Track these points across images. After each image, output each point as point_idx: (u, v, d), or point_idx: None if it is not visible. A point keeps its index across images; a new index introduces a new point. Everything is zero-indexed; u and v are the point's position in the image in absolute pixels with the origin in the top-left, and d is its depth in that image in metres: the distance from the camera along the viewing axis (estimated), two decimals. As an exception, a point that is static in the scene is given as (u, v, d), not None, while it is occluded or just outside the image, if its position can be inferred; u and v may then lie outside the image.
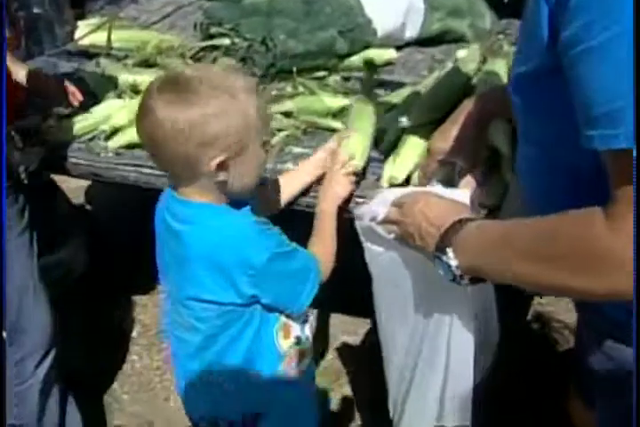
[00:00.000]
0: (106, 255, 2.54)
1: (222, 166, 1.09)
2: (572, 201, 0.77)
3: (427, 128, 1.44)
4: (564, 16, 0.73)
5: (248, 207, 1.21)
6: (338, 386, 2.11)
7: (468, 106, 1.24)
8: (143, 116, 1.09)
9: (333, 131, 1.78)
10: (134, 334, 2.39)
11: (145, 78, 1.94)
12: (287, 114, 1.82)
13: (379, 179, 1.53)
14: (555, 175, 0.89)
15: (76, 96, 1.77)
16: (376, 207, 1.11)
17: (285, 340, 1.29)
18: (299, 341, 1.32)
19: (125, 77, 1.95)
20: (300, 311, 1.28)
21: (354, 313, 2.32)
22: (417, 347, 1.22)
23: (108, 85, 1.96)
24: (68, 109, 1.78)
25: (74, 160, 1.70)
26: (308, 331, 1.36)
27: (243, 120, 1.07)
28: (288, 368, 1.31)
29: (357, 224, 1.20)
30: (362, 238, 1.20)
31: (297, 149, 1.72)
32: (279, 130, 1.77)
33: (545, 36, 0.79)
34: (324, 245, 1.30)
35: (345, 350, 2.23)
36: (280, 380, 1.30)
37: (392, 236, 1.07)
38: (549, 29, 0.78)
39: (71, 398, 1.77)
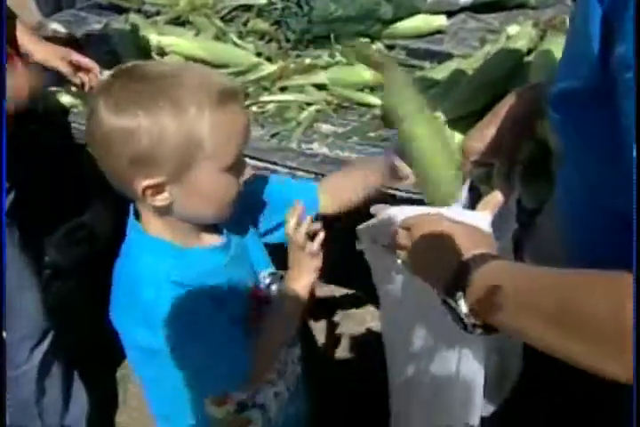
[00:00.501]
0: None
1: (155, 190, 0.89)
2: (609, 243, 0.62)
3: (463, 122, 1.27)
4: (621, 25, 0.55)
5: (213, 249, 1.00)
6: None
7: (511, 100, 1.06)
8: (89, 110, 0.91)
9: (369, 107, 1.63)
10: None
11: (172, 40, 1.82)
12: (319, 86, 1.67)
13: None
14: (593, 213, 0.73)
15: (83, 69, 1.63)
16: (381, 227, 0.94)
17: (218, 407, 1.00)
18: (242, 408, 1.05)
19: (152, 38, 1.82)
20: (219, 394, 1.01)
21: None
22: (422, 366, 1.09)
23: (133, 46, 1.83)
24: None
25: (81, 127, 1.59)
26: (268, 396, 1.10)
27: (184, 139, 0.86)
28: None
29: (363, 244, 1.02)
30: (367, 257, 1.04)
31: (326, 127, 1.57)
32: (308, 104, 1.63)
33: (595, 50, 0.62)
34: (268, 344, 1.04)
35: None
36: None
37: (398, 261, 0.91)
38: (601, 41, 0.60)
39: (77, 377, 1.71)
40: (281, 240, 1.10)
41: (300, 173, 1.43)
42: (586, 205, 0.76)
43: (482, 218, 0.91)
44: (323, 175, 1.41)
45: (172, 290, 0.93)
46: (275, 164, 1.45)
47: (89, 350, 2.10)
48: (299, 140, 1.51)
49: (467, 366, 0.95)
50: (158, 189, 0.89)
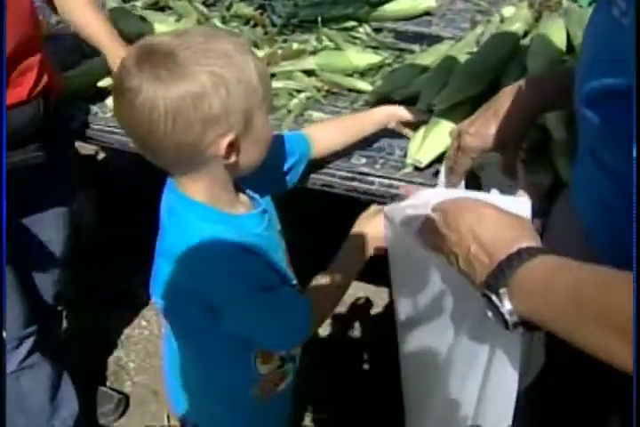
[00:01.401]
0: (116, 211, 2.41)
1: (233, 146, 0.91)
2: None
3: (458, 109, 1.24)
4: None
5: (256, 214, 1.03)
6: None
7: (510, 94, 1.02)
8: (124, 99, 0.87)
9: (359, 93, 1.59)
10: (144, 297, 2.28)
11: (152, 27, 1.76)
12: (308, 72, 1.62)
13: (406, 155, 1.34)
14: (621, 215, 0.70)
15: None
16: (413, 210, 0.89)
17: (265, 365, 1.10)
18: (283, 363, 1.13)
19: (132, 26, 1.75)
20: (278, 351, 1.10)
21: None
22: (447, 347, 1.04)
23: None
24: None
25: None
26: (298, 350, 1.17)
27: (244, 87, 0.88)
28: (261, 393, 1.14)
29: (385, 226, 0.99)
30: (389, 245, 1.00)
31: (317, 114, 1.53)
32: (298, 91, 1.58)
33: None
34: (327, 291, 1.08)
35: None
36: (245, 406, 1.15)
37: (429, 249, 0.86)
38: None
39: (67, 380, 1.68)
40: (276, 191, 1.16)
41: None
42: (612, 207, 0.73)
43: (522, 204, 0.86)
44: (315, 165, 1.38)
45: (240, 253, 0.95)
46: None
47: (79, 345, 2.09)
48: (290, 129, 1.46)
49: (500, 366, 0.91)
50: (235, 144, 0.91)
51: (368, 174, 1.32)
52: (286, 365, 1.14)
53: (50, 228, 1.49)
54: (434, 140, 1.25)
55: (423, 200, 0.88)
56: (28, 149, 1.28)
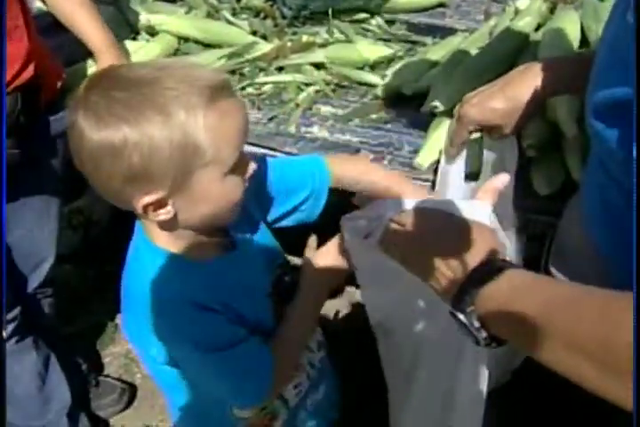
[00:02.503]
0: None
1: (158, 206, 0.81)
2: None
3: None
4: None
5: (227, 258, 0.94)
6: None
7: (523, 73, 0.98)
8: (70, 123, 0.80)
9: (369, 86, 1.57)
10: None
11: (163, 19, 1.74)
12: (317, 65, 1.60)
13: (416, 151, 1.32)
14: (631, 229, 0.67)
15: None
16: (371, 220, 0.86)
17: (243, 409, 1.03)
18: (266, 405, 1.05)
19: (141, 17, 1.74)
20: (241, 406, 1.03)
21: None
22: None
23: (122, 25, 1.75)
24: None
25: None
26: (288, 389, 1.07)
27: (179, 148, 0.77)
28: None
29: (346, 238, 0.93)
30: (350, 252, 0.94)
31: (325, 109, 1.51)
32: (307, 84, 1.56)
33: None
34: (291, 345, 1.01)
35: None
36: None
37: (389, 260, 0.82)
38: None
39: (58, 369, 1.66)
40: (297, 222, 1.06)
41: (300, 159, 1.37)
42: (622, 219, 0.70)
43: (482, 209, 0.81)
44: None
45: (193, 310, 0.87)
46: (274, 149, 1.39)
47: (89, 337, 2.09)
48: (297, 124, 1.44)
49: (470, 369, 0.89)
50: (160, 203, 0.81)
51: (375, 170, 1.30)
52: (271, 406, 1.06)
53: (29, 220, 1.46)
54: (434, 143, 1.23)
55: (378, 212, 0.85)
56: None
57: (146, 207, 0.81)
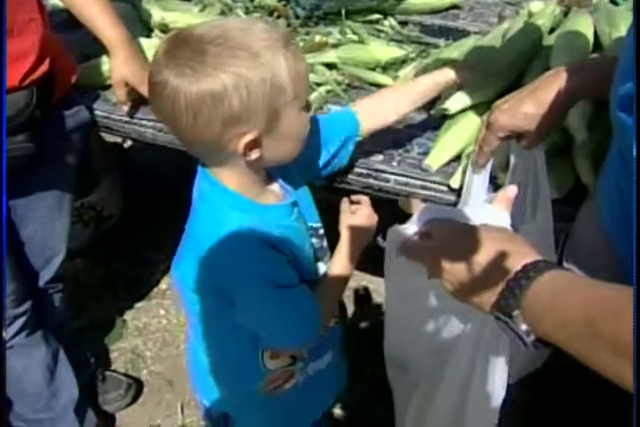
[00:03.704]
0: (141, 200, 2.42)
1: (253, 145, 0.91)
2: None
3: (477, 109, 1.21)
4: None
5: (286, 205, 1.02)
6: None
7: (551, 78, 0.98)
8: (154, 91, 0.90)
9: (380, 87, 1.56)
10: (164, 286, 2.29)
11: (176, 16, 1.75)
12: (329, 65, 1.60)
13: (426, 153, 1.32)
14: None
15: None
16: (412, 230, 0.86)
17: (273, 360, 1.10)
18: (294, 361, 1.13)
19: (155, 14, 1.75)
20: (283, 349, 1.10)
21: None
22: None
23: (135, 22, 1.76)
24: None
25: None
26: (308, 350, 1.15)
27: (270, 87, 0.87)
28: (266, 388, 1.14)
29: (386, 252, 0.96)
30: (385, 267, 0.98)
31: (336, 109, 1.50)
32: (318, 84, 1.56)
33: None
34: (333, 292, 1.10)
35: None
36: (251, 399, 1.16)
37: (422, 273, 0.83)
38: None
39: (66, 362, 1.67)
40: (337, 168, 1.18)
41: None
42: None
43: (501, 216, 0.84)
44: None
45: (260, 248, 0.95)
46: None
47: (96, 332, 2.11)
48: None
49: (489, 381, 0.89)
50: (256, 143, 0.90)
51: (384, 171, 1.30)
52: (297, 364, 1.14)
53: (42, 214, 1.47)
54: (445, 145, 1.22)
55: (419, 222, 0.87)
56: (15, 140, 1.25)
57: (245, 147, 0.90)
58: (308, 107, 0.96)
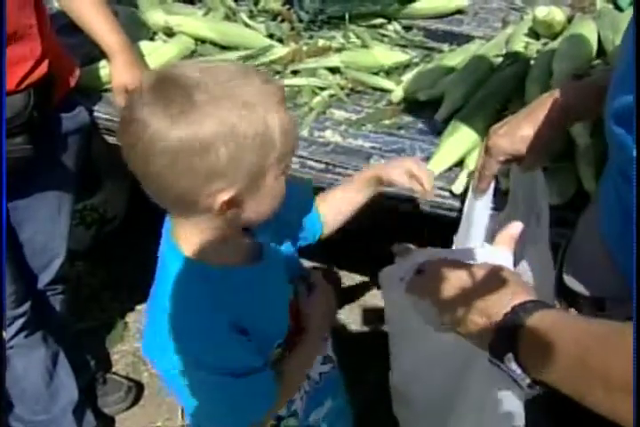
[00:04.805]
0: (145, 202, 2.41)
1: (231, 204, 0.80)
2: None
3: (478, 118, 1.21)
4: None
5: (256, 268, 0.93)
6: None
7: (547, 99, 0.97)
8: (127, 125, 0.77)
9: (383, 91, 1.57)
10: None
11: (180, 20, 1.75)
12: (333, 70, 1.60)
13: (428, 157, 1.32)
14: None
15: None
16: (407, 272, 0.85)
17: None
18: (279, 422, 1.05)
19: (159, 18, 1.75)
20: None
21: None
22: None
23: (139, 25, 1.77)
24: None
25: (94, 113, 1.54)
26: (298, 404, 1.07)
27: (260, 142, 0.77)
28: None
29: (382, 291, 0.97)
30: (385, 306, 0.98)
31: (339, 113, 1.51)
32: (321, 88, 1.56)
33: None
34: (295, 376, 1.02)
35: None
36: None
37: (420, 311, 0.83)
38: None
39: (66, 364, 1.66)
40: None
41: (311, 163, 1.37)
42: None
43: (503, 255, 0.83)
44: (333, 165, 1.36)
45: (224, 332, 0.87)
46: (285, 153, 1.39)
47: (98, 334, 2.11)
48: (311, 128, 1.44)
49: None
50: (236, 200, 0.80)
51: (387, 176, 1.30)
52: (284, 421, 1.06)
53: (42, 216, 1.47)
54: (447, 150, 1.22)
55: (413, 261, 0.85)
56: (14, 142, 1.24)
57: (222, 205, 0.79)
58: (288, 168, 0.85)
